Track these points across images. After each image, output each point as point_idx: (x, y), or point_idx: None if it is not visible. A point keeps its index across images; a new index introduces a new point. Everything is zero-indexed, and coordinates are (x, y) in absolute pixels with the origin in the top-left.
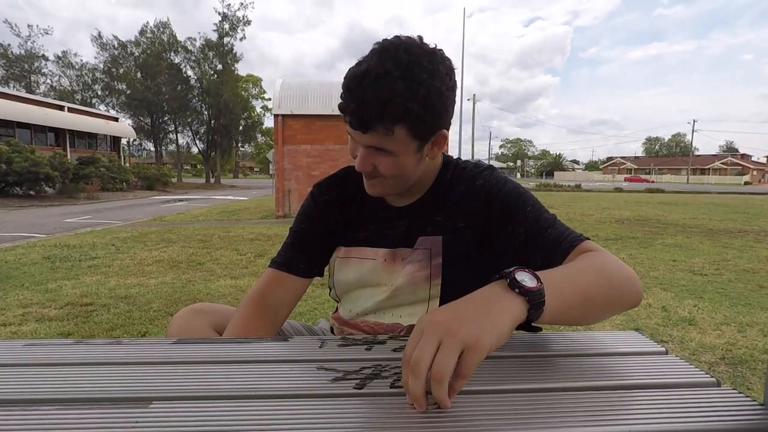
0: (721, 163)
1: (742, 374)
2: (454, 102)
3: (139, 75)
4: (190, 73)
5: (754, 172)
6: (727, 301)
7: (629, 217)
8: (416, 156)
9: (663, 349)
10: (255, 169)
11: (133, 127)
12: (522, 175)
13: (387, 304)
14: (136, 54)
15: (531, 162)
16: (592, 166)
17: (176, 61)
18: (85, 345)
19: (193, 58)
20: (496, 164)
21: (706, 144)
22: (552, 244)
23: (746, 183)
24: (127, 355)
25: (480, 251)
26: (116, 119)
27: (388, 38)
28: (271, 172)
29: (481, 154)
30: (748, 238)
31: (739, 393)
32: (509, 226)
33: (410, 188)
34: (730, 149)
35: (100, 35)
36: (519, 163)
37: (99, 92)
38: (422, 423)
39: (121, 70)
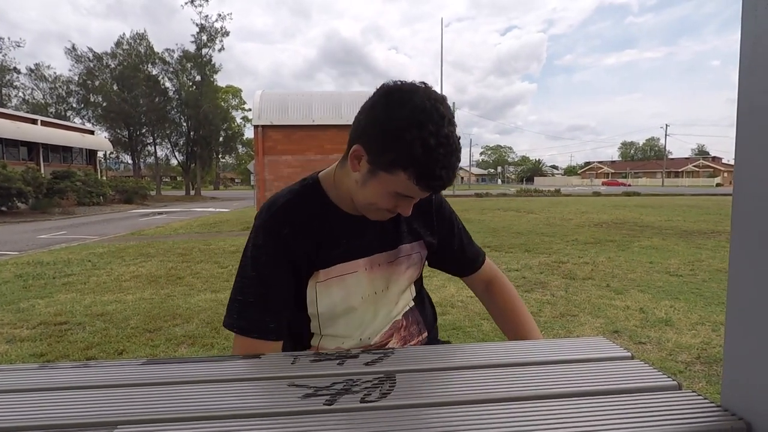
0: (694, 166)
1: (717, 373)
2: None
3: (115, 87)
4: (168, 84)
5: (725, 174)
6: (702, 301)
7: (607, 220)
8: None
9: (628, 354)
10: (236, 181)
11: (109, 139)
12: (503, 181)
13: (380, 311)
14: (113, 66)
15: (511, 168)
16: (570, 171)
17: (154, 72)
18: (51, 369)
19: (171, 69)
20: (477, 171)
21: (679, 147)
22: (472, 257)
23: (718, 185)
24: (95, 378)
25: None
26: (92, 132)
27: (427, 91)
28: (252, 183)
29: (462, 161)
30: (721, 238)
31: (699, 395)
32: (448, 239)
33: None
34: (702, 152)
35: (74, 47)
36: (500, 169)
37: (74, 105)
38: None
39: (97, 83)
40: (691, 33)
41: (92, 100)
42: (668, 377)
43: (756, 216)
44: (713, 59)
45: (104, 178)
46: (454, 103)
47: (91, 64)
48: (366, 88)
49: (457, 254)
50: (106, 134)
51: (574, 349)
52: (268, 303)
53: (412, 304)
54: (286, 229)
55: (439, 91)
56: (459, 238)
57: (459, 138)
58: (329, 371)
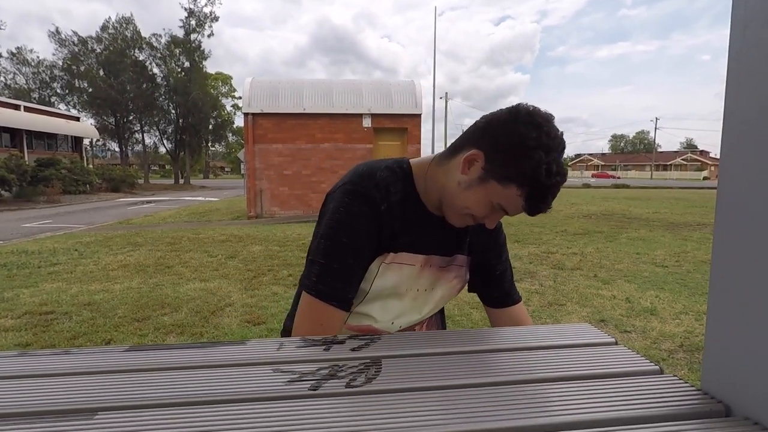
0: (682, 159)
1: (699, 360)
2: None
3: (101, 72)
4: (156, 70)
5: (713, 168)
6: (686, 291)
7: (596, 212)
8: None
9: (612, 339)
10: (226, 169)
11: (96, 126)
12: None
13: (417, 307)
14: (98, 51)
15: None
16: None
17: (141, 58)
18: (31, 356)
19: (159, 55)
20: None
21: (668, 141)
22: (509, 289)
23: (705, 178)
24: (75, 365)
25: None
26: (77, 119)
27: (542, 132)
28: (242, 171)
29: None
30: (706, 230)
31: (680, 380)
32: (494, 262)
33: None
34: (690, 146)
35: (57, 30)
36: None
37: (58, 91)
38: (376, 421)
39: (82, 68)
40: (683, 27)
41: (77, 85)
42: (651, 362)
43: (738, 208)
44: (704, 54)
45: (91, 166)
46: (446, 93)
47: (76, 49)
48: (358, 77)
49: (497, 280)
50: (92, 121)
51: (560, 335)
52: (352, 273)
53: (439, 308)
54: (385, 204)
55: (432, 80)
56: (504, 266)
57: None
58: (315, 357)
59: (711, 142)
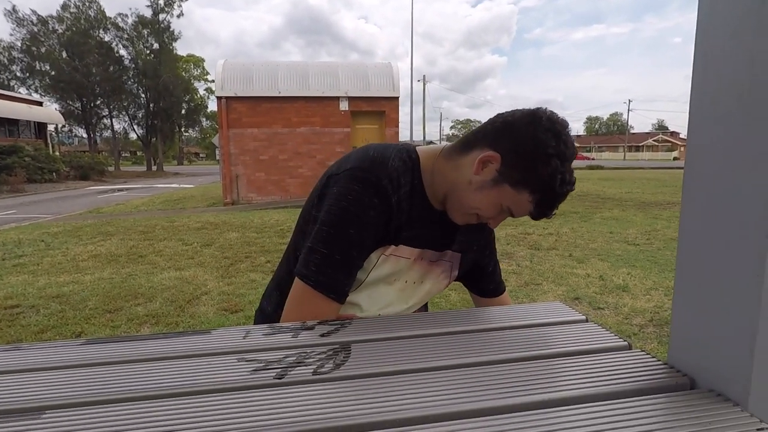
0: (654, 141)
1: (668, 334)
2: None
3: (64, 54)
4: (123, 52)
5: (682, 148)
6: (656, 267)
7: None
8: None
9: (583, 317)
10: (201, 155)
11: (61, 111)
12: None
13: (404, 300)
14: (60, 31)
15: None
16: None
17: (106, 39)
18: None
19: (126, 36)
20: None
21: (640, 123)
22: (498, 282)
23: (675, 158)
24: (24, 361)
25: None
26: (40, 103)
27: (560, 141)
28: (217, 157)
29: (433, 135)
30: (676, 209)
31: (647, 354)
32: (486, 259)
33: None
34: (662, 127)
35: (14, 9)
36: None
37: (18, 74)
38: (343, 408)
39: (43, 49)
40: (656, 10)
41: (39, 68)
42: (619, 338)
43: (704, 186)
44: (675, 36)
45: (57, 153)
46: (424, 75)
47: (35, 29)
48: (334, 59)
49: (488, 276)
50: (56, 106)
51: (532, 314)
52: (353, 265)
53: (423, 303)
54: (395, 197)
55: (410, 64)
56: (493, 261)
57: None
58: (283, 344)
59: (681, 123)
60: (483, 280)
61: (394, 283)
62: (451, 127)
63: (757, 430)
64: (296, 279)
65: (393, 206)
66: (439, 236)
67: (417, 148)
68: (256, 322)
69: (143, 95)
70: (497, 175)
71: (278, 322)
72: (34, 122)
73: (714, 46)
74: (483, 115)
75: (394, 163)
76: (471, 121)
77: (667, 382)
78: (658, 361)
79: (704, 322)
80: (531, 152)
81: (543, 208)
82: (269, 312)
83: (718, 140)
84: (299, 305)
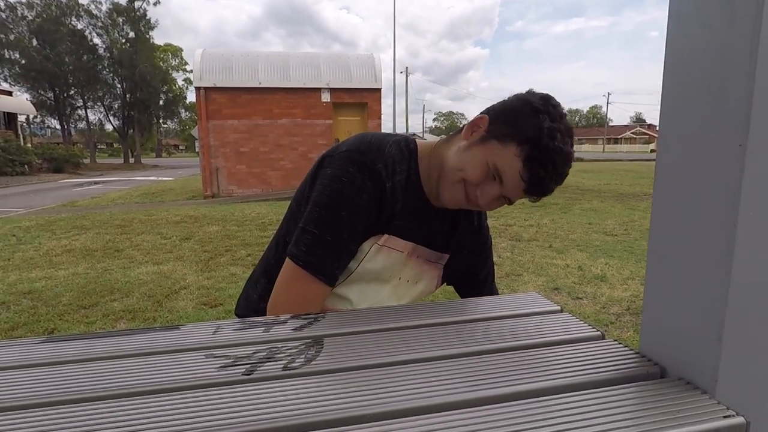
0: (632, 133)
1: None
2: None
3: (34, 42)
4: (97, 41)
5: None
6: (633, 257)
7: None
8: None
9: (558, 307)
10: (180, 147)
11: (32, 102)
12: None
13: (396, 297)
14: (30, 18)
15: None
16: None
17: (79, 27)
18: None
19: (100, 24)
20: (429, 137)
21: (619, 116)
22: (489, 289)
23: (652, 150)
24: None
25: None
26: (10, 93)
27: (549, 105)
28: (197, 149)
29: (416, 127)
30: (651, 200)
31: (620, 344)
32: (479, 265)
33: None
34: (639, 120)
35: None
36: None
37: None
38: (311, 404)
39: (12, 37)
40: (634, 3)
41: (7, 56)
42: (593, 328)
43: (674, 175)
44: (653, 30)
45: (28, 144)
46: (407, 67)
47: (3, 15)
48: (316, 50)
49: (480, 284)
50: (27, 96)
51: (507, 305)
52: (343, 248)
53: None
54: (390, 182)
55: (392, 55)
56: (488, 270)
57: (570, 163)
58: (253, 339)
59: (658, 116)
60: (474, 288)
61: (389, 280)
62: (434, 119)
63: (724, 416)
64: (287, 259)
65: (387, 192)
66: (434, 233)
67: (417, 140)
68: (238, 309)
69: (119, 85)
70: (485, 134)
71: (264, 309)
72: (4, 112)
73: (685, 39)
74: (466, 108)
75: (390, 150)
76: (454, 113)
77: (638, 371)
78: (630, 350)
79: (674, 312)
80: (518, 108)
81: (533, 164)
82: (254, 299)
83: (688, 131)
84: (288, 286)
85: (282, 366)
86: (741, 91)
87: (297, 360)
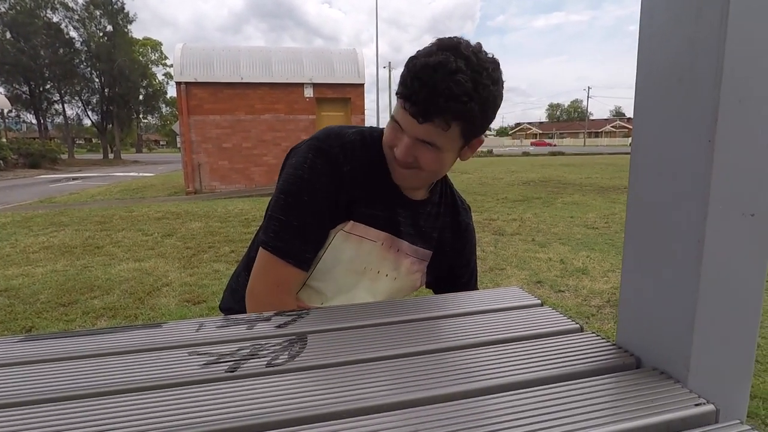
0: (612, 127)
1: None
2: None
3: (8, 35)
4: (73, 34)
5: None
6: (614, 250)
7: (534, 179)
8: (455, 155)
9: (539, 301)
10: (161, 143)
11: (6, 96)
12: None
13: (371, 293)
14: (2, 10)
15: None
16: (502, 132)
17: (55, 19)
18: None
19: (77, 17)
20: None
21: (599, 109)
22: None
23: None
24: None
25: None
26: None
27: (451, 38)
28: (178, 145)
29: None
30: None
31: (598, 336)
32: (462, 268)
33: None
34: (619, 114)
35: None
36: None
37: None
38: (296, 400)
39: None
40: None
41: None
42: (572, 321)
43: (648, 165)
44: (631, 24)
45: (3, 139)
46: (390, 62)
47: None
48: (298, 44)
49: (462, 287)
50: (1, 89)
51: (489, 300)
52: (310, 232)
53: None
54: (348, 166)
55: (375, 50)
56: (470, 273)
57: (475, 79)
58: (237, 336)
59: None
60: (455, 289)
61: (365, 273)
62: None
63: (695, 405)
64: (260, 248)
65: (345, 175)
66: (412, 226)
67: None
68: (223, 303)
69: (97, 80)
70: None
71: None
72: None
73: (657, 31)
74: None
75: (351, 137)
76: None
77: (615, 363)
78: (608, 342)
79: (649, 303)
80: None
81: (401, 89)
82: (239, 293)
83: (660, 121)
84: (261, 272)
85: (266, 363)
86: (710, 81)
87: (281, 356)
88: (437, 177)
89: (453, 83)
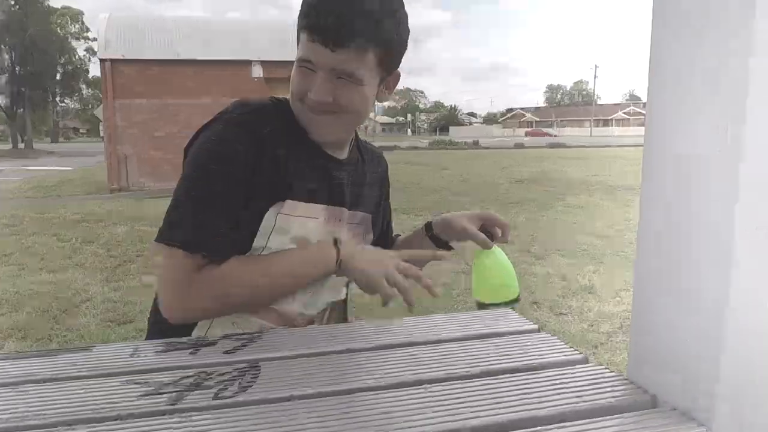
0: (624, 113)
1: None
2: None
3: None
4: None
5: None
6: (627, 264)
7: (529, 176)
8: (375, 91)
9: (536, 326)
10: (81, 131)
11: None
12: (413, 132)
13: (330, 281)
14: None
15: (423, 116)
16: (491, 119)
17: None
18: None
19: None
20: (384, 120)
21: (609, 92)
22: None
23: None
24: None
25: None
26: None
27: None
28: (102, 134)
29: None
30: None
31: (606, 369)
32: (383, 217)
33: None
34: (633, 98)
35: None
36: (410, 117)
37: None
38: None
39: None
40: None
41: None
42: (575, 350)
43: (665, 167)
44: None
45: None
46: None
47: None
48: (246, 16)
49: (385, 231)
50: None
51: (479, 324)
52: (222, 207)
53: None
54: (267, 128)
55: None
56: (388, 218)
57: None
58: (178, 363)
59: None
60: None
61: None
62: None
63: None
64: (162, 246)
65: (265, 137)
66: (342, 189)
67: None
68: (152, 317)
69: (7, 56)
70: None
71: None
72: None
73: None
74: (425, 84)
75: (260, 103)
76: (411, 90)
77: (625, 400)
78: (618, 375)
79: (666, 335)
80: None
81: (302, 18)
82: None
83: (677, 109)
84: (167, 277)
85: (212, 395)
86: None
87: (230, 387)
88: (360, 120)
89: (359, 1)
